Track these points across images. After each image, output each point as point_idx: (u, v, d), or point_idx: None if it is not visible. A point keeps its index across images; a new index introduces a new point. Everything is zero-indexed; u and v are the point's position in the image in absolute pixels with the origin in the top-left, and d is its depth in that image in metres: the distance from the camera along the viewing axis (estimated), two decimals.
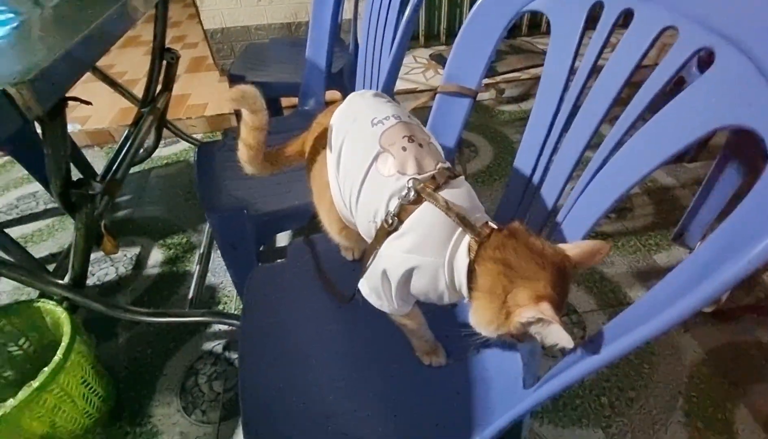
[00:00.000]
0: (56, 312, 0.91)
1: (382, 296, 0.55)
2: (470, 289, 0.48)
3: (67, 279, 0.93)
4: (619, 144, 0.49)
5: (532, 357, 0.63)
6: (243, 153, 0.67)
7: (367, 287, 0.57)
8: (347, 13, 1.86)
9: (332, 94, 1.40)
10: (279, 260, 0.82)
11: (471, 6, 2.46)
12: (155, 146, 1.63)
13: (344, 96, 1.56)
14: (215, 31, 2.34)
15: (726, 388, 1.01)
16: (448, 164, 0.54)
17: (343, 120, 0.60)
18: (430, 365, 0.62)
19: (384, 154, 0.52)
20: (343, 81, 1.49)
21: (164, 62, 1.41)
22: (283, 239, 1.45)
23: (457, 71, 0.70)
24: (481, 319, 0.48)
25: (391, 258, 0.51)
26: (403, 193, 0.50)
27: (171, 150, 1.98)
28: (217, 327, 1.19)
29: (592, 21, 0.54)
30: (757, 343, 1.10)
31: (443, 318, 0.65)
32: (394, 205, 0.50)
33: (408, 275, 0.50)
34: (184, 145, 1.99)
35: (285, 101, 1.84)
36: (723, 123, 0.37)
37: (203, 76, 2.49)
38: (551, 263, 0.44)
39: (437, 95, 0.74)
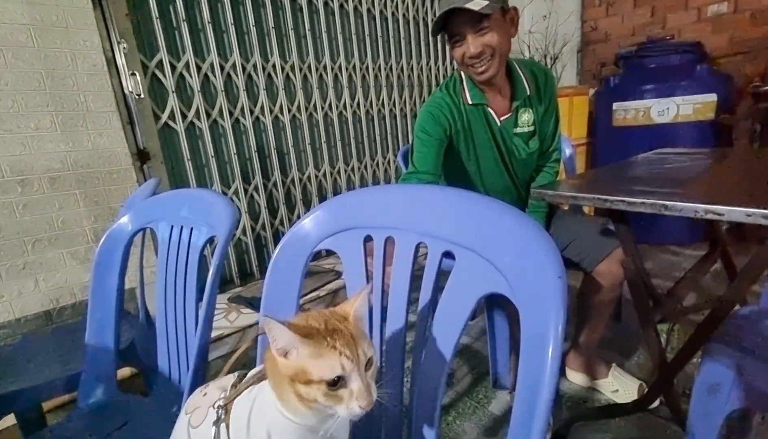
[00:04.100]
0: None
1: None
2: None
3: None
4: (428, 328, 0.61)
5: None
6: None
7: None
8: (130, 281, 1.77)
9: (123, 372, 1.20)
10: None
11: (255, 250, 2.75)
12: None
13: (140, 369, 1.36)
14: None
15: None
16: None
17: None
18: None
19: (195, 412, 0.57)
20: (137, 354, 1.32)
21: None
22: None
23: (274, 306, 0.75)
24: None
25: None
26: (216, 418, 0.53)
27: None
28: None
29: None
30: None
31: None
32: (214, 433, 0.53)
33: None
34: None
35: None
36: (482, 293, 0.54)
37: None
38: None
39: (260, 336, 0.75)
